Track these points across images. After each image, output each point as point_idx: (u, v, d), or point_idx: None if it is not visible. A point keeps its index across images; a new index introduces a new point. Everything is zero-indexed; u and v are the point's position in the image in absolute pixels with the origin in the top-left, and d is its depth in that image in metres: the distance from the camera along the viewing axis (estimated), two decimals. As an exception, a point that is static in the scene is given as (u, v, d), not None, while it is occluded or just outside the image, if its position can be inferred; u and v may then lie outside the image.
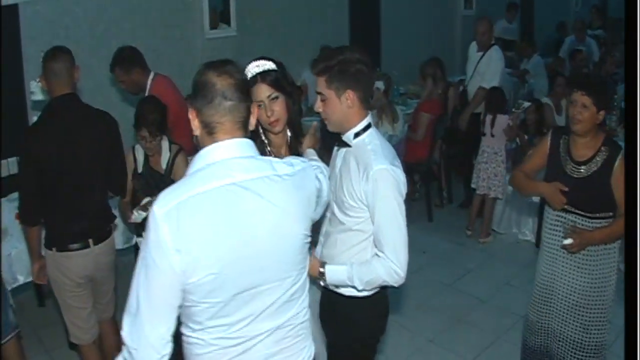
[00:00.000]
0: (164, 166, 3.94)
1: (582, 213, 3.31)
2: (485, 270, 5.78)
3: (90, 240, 3.61)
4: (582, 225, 3.31)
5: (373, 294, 2.73)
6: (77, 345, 3.88)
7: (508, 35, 10.14)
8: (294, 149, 2.92)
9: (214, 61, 2.02)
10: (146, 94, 4.61)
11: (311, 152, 2.79)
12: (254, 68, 2.71)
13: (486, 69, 6.69)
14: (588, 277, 3.37)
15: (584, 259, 3.36)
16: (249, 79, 2.65)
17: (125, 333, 1.90)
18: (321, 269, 2.67)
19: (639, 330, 2.09)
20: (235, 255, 1.90)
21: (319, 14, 8.40)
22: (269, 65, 2.74)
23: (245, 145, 2.01)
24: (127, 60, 4.58)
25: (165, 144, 3.94)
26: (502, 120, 6.10)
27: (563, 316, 3.48)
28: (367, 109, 2.69)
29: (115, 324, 4.07)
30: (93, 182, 3.58)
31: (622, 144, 3.40)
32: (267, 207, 1.94)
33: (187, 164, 3.74)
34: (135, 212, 3.76)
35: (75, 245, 3.57)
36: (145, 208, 3.71)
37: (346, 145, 2.70)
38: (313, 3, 8.32)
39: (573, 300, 3.42)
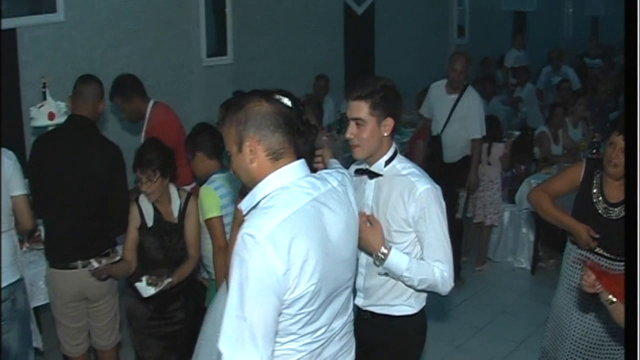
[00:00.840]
0: (176, 214, 3.67)
1: (608, 255, 3.25)
2: (481, 298, 5.78)
3: (79, 262, 3.60)
4: (606, 267, 3.19)
5: (418, 311, 2.86)
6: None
7: (522, 63, 10.17)
8: None
9: (262, 91, 2.11)
10: (145, 122, 4.64)
11: (334, 162, 2.86)
12: None
13: (467, 115, 5.67)
14: (608, 315, 3.30)
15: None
16: None
17: None
18: (384, 249, 2.61)
19: (639, 331, 2.10)
20: (327, 263, 2.04)
21: (314, 42, 8.48)
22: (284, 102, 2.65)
23: (305, 165, 2.15)
24: (127, 88, 4.59)
25: (173, 190, 3.71)
26: (498, 148, 6.14)
27: (573, 358, 3.41)
28: (394, 138, 2.76)
29: (117, 357, 4.02)
30: (87, 204, 3.56)
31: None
32: (336, 217, 2.13)
33: (197, 209, 3.66)
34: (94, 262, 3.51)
35: (63, 264, 3.61)
36: (109, 256, 3.59)
37: (376, 175, 2.73)
38: (308, 31, 8.40)
39: (588, 341, 3.34)
